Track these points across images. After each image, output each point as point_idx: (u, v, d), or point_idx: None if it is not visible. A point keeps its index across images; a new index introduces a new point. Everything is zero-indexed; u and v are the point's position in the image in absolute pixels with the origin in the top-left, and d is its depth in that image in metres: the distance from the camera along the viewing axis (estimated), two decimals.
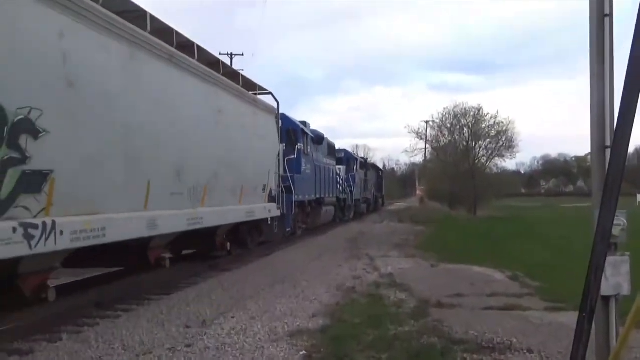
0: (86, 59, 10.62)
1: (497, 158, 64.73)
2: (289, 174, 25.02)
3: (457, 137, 64.96)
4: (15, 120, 8.91)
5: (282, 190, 23.41)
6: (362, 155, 77.80)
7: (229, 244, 19.84)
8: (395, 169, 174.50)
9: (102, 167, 11.11)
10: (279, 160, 22.63)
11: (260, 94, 21.11)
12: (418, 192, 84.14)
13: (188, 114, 14.64)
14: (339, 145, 44.14)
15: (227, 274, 17.32)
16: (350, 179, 44.23)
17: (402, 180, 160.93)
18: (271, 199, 21.79)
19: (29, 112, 9.18)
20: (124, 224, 11.75)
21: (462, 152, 63.31)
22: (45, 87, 9.58)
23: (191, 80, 14.97)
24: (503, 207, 71.09)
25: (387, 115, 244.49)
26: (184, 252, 19.60)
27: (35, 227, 9.28)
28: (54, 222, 9.67)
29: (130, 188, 12.15)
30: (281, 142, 23.49)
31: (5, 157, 8.80)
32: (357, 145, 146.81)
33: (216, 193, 16.27)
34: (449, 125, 65.00)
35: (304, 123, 30.22)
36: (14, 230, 8.85)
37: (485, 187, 63.06)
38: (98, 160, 10.97)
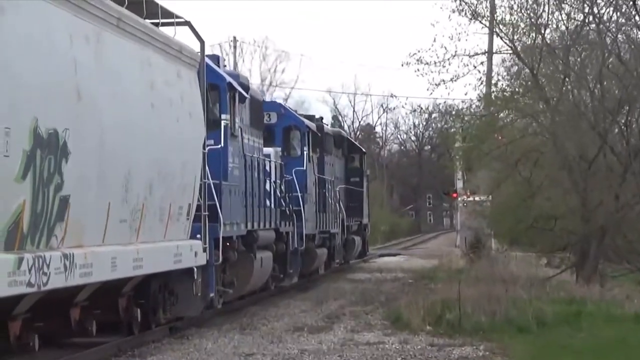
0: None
1: None
2: (211, 181, 14.35)
3: (609, 11, 21.91)
4: (61, 143, 8.44)
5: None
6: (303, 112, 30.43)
7: (138, 311, 12.54)
8: (381, 135, 72.81)
9: (88, 185, 9.57)
10: (203, 155, 13.84)
11: (178, 24, 13.26)
12: (460, 217, 35.21)
13: (131, 95, 10.92)
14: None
15: None
16: (296, 181, 21.27)
17: (405, 180, 70.29)
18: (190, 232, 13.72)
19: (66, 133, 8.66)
20: (105, 261, 10.00)
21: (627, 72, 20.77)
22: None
23: (128, 46, 11.02)
24: None
25: None
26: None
27: (67, 257, 8.82)
28: (72, 254, 9.07)
29: (97, 212, 10.02)
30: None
31: (57, 182, 8.32)
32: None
33: (148, 218, 11.55)
34: None
35: (216, 59, 16.69)
36: (61, 259, 8.36)
37: None
38: (84, 176, 9.55)
